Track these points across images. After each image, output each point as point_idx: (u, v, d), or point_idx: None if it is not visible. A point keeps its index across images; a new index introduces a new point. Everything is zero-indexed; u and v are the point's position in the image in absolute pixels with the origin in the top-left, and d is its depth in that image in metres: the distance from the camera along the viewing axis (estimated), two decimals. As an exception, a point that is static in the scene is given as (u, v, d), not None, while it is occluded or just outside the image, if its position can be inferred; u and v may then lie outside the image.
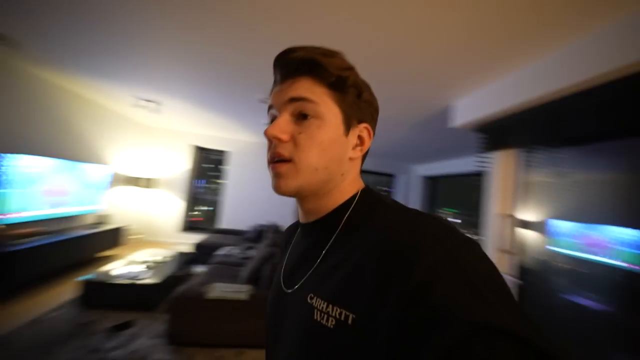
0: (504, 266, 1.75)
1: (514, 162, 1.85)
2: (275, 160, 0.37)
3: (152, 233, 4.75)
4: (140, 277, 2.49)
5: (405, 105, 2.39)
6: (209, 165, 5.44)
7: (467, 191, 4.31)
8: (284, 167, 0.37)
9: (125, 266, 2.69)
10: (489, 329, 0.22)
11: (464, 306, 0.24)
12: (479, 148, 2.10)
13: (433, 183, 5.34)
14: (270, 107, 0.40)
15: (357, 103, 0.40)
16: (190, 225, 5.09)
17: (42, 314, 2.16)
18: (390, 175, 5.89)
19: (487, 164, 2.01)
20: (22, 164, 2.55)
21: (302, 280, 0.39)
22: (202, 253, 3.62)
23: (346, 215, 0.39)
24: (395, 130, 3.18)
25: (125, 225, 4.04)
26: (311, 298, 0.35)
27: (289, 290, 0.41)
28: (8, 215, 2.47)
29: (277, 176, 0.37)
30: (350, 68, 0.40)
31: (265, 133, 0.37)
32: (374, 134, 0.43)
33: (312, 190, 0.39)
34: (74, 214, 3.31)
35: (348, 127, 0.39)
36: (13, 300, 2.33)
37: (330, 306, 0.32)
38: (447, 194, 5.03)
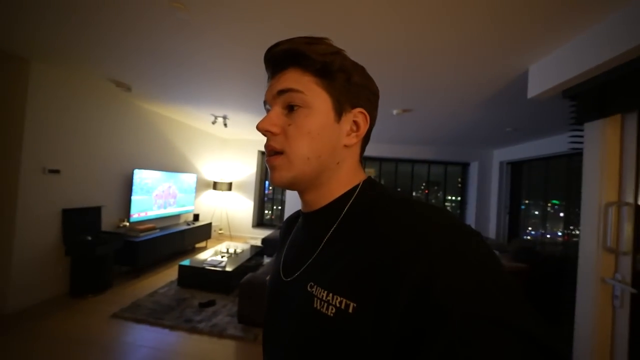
0: (610, 269, 1.33)
1: (620, 133, 1.38)
2: (270, 153, 0.38)
3: (231, 228, 5.55)
4: (220, 264, 2.96)
5: (473, 79, 2.04)
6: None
7: (560, 176, 3.45)
8: (277, 160, 0.37)
9: (211, 256, 3.25)
10: (493, 322, 0.22)
11: (466, 299, 0.24)
12: (571, 120, 1.66)
13: (516, 169, 4.46)
14: (265, 104, 0.41)
15: (347, 87, 0.39)
16: (261, 222, 5.74)
17: (156, 289, 2.83)
18: (462, 164, 5.21)
19: (583, 140, 1.57)
20: (142, 176, 3.39)
21: (302, 269, 0.39)
22: (268, 246, 4.02)
23: (347, 206, 0.38)
24: (463, 111, 2.76)
25: (212, 222, 4.85)
26: (311, 287, 0.34)
27: (288, 279, 0.40)
28: (133, 215, 3.33)
29: (271, 169, 0.38)
30: (336, 52, 0.38)
31: (257, 127, 0.38)
32: (372, 118, 0.41)
33: (307, 181, 0.39)
34: (176, 213, 4.20)
35: (339, 113, 0.38)
36: (138, 277, 3.13)
37: (331, 295, 0.31)
38: (534, 181, 4.12)
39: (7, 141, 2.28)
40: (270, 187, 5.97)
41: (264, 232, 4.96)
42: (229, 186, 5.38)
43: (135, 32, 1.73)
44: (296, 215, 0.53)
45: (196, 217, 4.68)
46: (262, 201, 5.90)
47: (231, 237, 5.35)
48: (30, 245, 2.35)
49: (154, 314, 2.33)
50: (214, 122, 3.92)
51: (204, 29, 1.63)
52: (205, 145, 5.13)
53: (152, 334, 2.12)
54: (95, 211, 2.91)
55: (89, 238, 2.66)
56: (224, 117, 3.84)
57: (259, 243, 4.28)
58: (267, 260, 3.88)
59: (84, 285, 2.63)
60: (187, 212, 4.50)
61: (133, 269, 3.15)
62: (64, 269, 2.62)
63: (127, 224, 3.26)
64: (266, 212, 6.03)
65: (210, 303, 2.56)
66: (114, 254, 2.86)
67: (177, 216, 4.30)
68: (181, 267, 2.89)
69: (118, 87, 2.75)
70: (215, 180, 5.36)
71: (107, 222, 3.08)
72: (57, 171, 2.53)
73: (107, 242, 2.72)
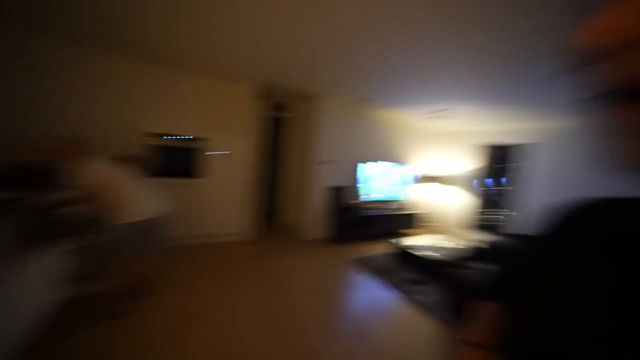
0: None
1: None
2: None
3: (438, 222, 5.57)
4: (431, 250, 3.20)
5: None
6: (501, 165, 5.09)
7: None
8: None
9: (421, 241, 3.59)
10: None
11: None
12: None
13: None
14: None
15: None
16: (476, 223, 5.20)
17: (374, 254, 3.64)
18: None
19: None
20: (367, 168, 4.45)
21: None
22: (492, 253, 3.63)
23: None
24: None
25: (419, 213, 5.19)
26: None
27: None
28: (362, 197, 4.45)
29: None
30: None
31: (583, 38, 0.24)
32: None
33: None
34: (390, 199, 5.00)
35: None
36: (364, 243, 4.18)
37: None
38: None
39: (307, 146, 3.98)
40: (497, 186, 5.21)
41: (478, 235, 4.51)
42: (441, 180, 5.41)
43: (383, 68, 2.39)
44: (603, 212, 0.33)
45: (405, 205, 5.23)
46: (481, 202, 5.31)
47: (439, 231, 5.39)
48: (315, 206, 3.98)
49: (377, 271, 3.08)
50: (430, 118, 4.15)
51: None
52: (420, 139, 5.49)
53: (372, 282, 2.84)
54: (342, 189, 4.26)
55: (341, 206, 3.98)
56: (441, 111, 3.94)
57: (469, 244, 4.00)
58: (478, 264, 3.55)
59: (336, 236, 4.00)
60: (398, 199, 5.18)
61: (361, 235, 4.24)
62: (327, 223, 4.15)
63: (358, 201, 4.44)
64: (484, 214, 5.35)
65: (421, 282, 2.89)
66: (352, 221, 4.04)
67: (390, 202, 5.10)
68: (395, 245, 3.48)
69: (359, 102, 3.77)
70: (428, 174, 5.60)
71: (347, 197, 4.40)
72: (325, 163, 4.02)
73: (351, 211, 3.93)
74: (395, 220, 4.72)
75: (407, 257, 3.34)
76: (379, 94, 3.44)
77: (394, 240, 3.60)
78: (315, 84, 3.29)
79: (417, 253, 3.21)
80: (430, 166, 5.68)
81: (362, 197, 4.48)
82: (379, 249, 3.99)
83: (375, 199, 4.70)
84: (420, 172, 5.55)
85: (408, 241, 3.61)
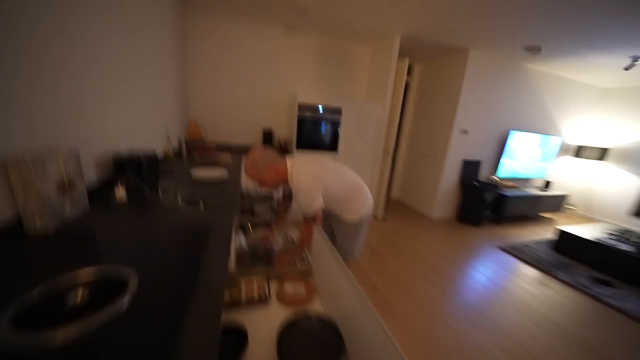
0: None
1: None
2: None
3: (589, 208, 4.43)
4: (613, 244, 2.52)
5: None
6: None
7: None
8: None
9: (595, 231, 2.88)
10: None
11: None
12: None
13: None
14: None
15: None
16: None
17: (525, 242, 3.12)
18: None
19: None
20: (515, 137, 3.68)
21: None
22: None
23: None
24: None
25: (565, 194, 4.20)
26: None
27: None
28: (501, 173, 3.77)
29: None
30: None
31: None
32: None
33: None
34: (530, 176, 4.15)
35: None
36: (498, 225, 3.64)
37: None
38: None
39: (441, 112, 3.47)
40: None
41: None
42: (602, 153, 4.16)
43: None
44: None
45: (547, 184, 4.29)
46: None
47: (587, 219, 4.33)
48: (447, 180, 3.59)
49: (540, 263, 2.62)
50: (628, 68, 3.00)
51: None
52: (577, 100, 4.21)
53: (531, 271, 2.42)
54: (477, 164, 3.69)
55: (477, 183, 3.48)
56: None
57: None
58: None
59: (466, 217, 3.59)
60: (539, 177, 4.26)
61: (496, 216, 3.71)
62: (456, 201, 3.74)
63: (495, 177, 3.81)
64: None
65: (608, 283, 2.33)
66: (487, 201, 3.53)
67: (528, 180, 4.24)
68: (563, 232, 2.87)
69: (529, 51, 2.94)
70: (582, 145, 4.38)
71: (482, 174, 3.81)
72: (466, 132, 3.46)
73: (489, 190, 3.40)
74: (538, 202, 3.93)
75: (579, 248, 2.72)
76: (555, 39, 2.58)
77: (562, 227, 2.93)
78: (466, 33, 2.67)
79: (604, 242, 2.55)
80: (588, 135, 4.38)
81: (500, 173, 3.82)
82: (522, 234, 3.43)
83: (516, 176, 3.96)
84: (569, 143, 4.36)
85: (571, 229, 2.91)
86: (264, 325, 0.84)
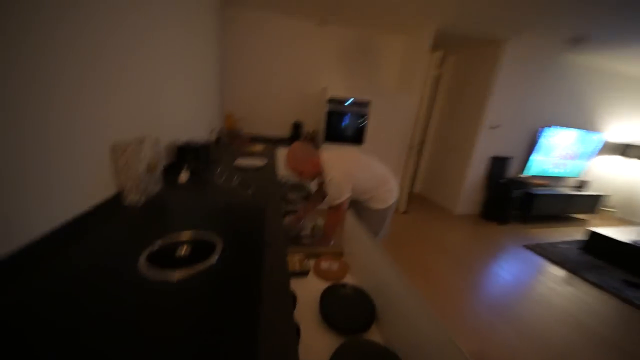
0: None
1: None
2: None
3: (630, 211, 4.16)
4: None
5: None
6: None
7: None
8: None
9: (629, 233, 2.75)
10: None
11: None
12: None
13: None
14: None
15: None
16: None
17: (553, 242, 3.04)
18: None
19: None
20: (549, 134, 3.52)
21: None
22: None
23: None
24: None
25: (601, 195, 3.96)
26: None
27: None
28: (531, 170, 3.65)
29: None
30: None
31: None
32: None
33: None
34: (566, 174, 3.96)
35: None
36: (526, 224, 3.55)
37: None
38: None
39: (477, 106, 3.39)
40: None
41: None
42: (649, 153, 3.87)
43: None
44: None
45: (582, 183, 4.07)
46: None
47: (626, 222, 4.07)
48: (473, 175, 3.54)
49: (567, 263, 2.57)
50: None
51: None
52: (625, 95, 3.88)
53: (558, 271, 2.39)
54: (507, 160, 3.59)
55: (504, 180, 3.41)
56: None
57: None
58: None
59: (491, 214, 3.54)
60: (575, 176, 4.06)
61: (524, 215, 3.61)
62: (481, 197, 3.69)
63: (524, 175, 3.69)
64: None
65: (637, 284, 2.25)
66: (515, 198, 3.45)
67: (561, 178, 4.05)
68: (593, 233, 2.77)
69: (575, 41, 2.78)
70: (630, 144, 4.07)
71: (511, 170, 3.71)
72: (497, 126, 3.38)
73: (517, 188, 3.32)
74: (571, 201, 3.76)
75: (612, 251, 2.63)
76: (601, 28, 2.42)
77: (593, 229, 2.82)
78: (506, 22, 2.57)
79: (637, 245, 2.45)
80: (628, 133, 4.09)
81: (530, 170, 3.69)
82: (551, 234, 3.33)
83: (546, 174, 3.81)
84: (619, 141, 4.07)
85: (603, 230, 2.79)
86: (305, 291, 0.99)
